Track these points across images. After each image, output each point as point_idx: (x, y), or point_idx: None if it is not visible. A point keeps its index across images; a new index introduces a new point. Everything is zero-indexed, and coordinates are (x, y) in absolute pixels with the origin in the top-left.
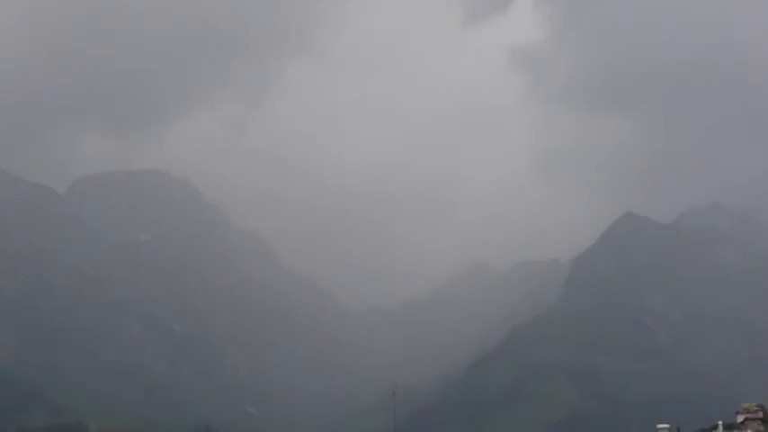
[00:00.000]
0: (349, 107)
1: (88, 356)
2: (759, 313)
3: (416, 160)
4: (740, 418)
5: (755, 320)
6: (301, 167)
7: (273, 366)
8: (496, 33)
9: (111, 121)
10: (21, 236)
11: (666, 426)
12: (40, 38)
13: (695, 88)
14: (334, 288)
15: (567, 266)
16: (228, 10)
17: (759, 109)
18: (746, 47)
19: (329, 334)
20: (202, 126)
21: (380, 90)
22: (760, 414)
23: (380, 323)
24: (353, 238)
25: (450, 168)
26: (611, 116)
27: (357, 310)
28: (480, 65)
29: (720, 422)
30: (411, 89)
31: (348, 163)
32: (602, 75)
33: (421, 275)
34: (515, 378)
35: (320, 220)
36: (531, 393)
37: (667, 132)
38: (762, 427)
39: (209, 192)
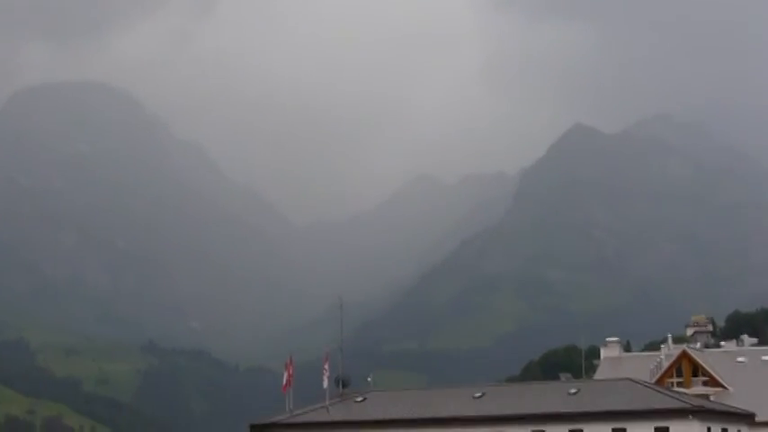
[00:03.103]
0: (297, 16)
1: (27, 271)
2: (706, 225)
3: (364, 71)
4: (690, 332)
5: (703, 232)
6: (247, 79)
7: (217, 280)
8: None
9: (52, 30)
10: None
11: (616, 339)
12: None
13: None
14: (278, 201)
15: (515, 179)
16: None
17: (711, 16)
18: None
19: (273, 248)
20: (148, 36)
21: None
22: (710, 327)
23: (325, 237)
24: (298, 152)
25: (398, 79)
26: (559, 23)
27: (301, 224)
28: None
29: (670, 335)
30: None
31: (294, 74)
32: None
33: (366, 189)
34: (463, 291)
35: (264, 133)
36: (478, 306)
37: (616, 41)
38: (711, 340)
39: (152, 103)
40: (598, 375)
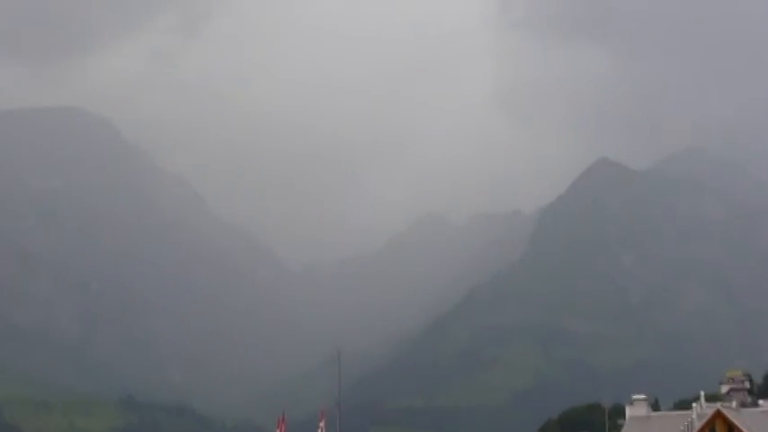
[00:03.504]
0: (291, 37)
1: None
2: (742, 270)
3: (365, 97)
4: (725, 389)
5: (739, 279)
6: (237, 107)
7: (201, 327)
8: None
9: (22, 50)
10: None
11: (643, 396)
12: None
13: (676, 18)
14: (270, 242)
15: (532, 218)
16: None
17: (745, 43)
18: None
19: (264, 292)
20: (128, 57)
21: (327, 19)
22: (746, 384)
23: (321, 282)
24: (292, 185)
25: (403, 106)
26: (583, 47)
27: (295, 267)
28: None
29: (702, 393)
30: (360, 16)
31: (288, 100)
32: (573, 0)
33: (367, 227)
34: (473, 342)
35: (255, 166)
36: (491, 359)
37: (644, 67)
38: (748, 399)
39: (132, 131)
40: None
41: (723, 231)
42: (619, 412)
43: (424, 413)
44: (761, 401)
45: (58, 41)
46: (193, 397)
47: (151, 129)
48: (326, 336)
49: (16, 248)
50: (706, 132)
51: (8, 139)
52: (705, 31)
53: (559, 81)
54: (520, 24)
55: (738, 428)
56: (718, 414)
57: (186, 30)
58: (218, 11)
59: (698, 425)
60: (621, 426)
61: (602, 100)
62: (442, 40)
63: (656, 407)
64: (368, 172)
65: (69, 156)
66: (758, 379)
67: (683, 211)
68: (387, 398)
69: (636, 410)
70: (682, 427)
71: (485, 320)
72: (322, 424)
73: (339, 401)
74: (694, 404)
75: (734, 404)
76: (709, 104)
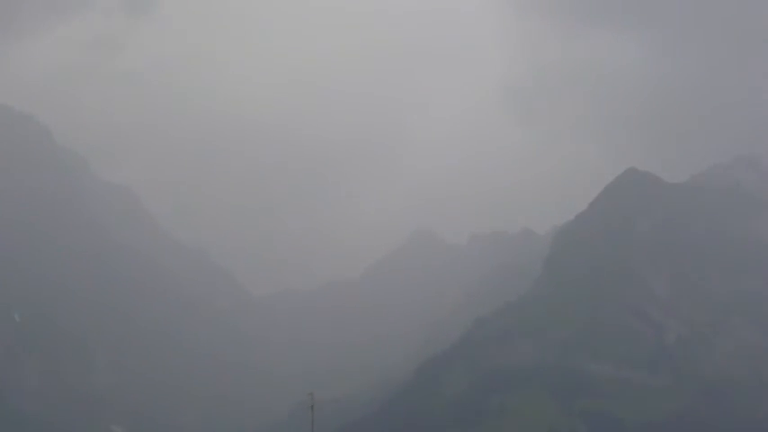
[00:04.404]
0: (264, 21)
1: None
2: None
3: (351, 94)
4: None
5: None
6: (193, 103)
7: (148, 368)
8: None
9: None
10: None
11: None
12: None
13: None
14: (232, 263)
15: (546, 239)
16: None
17: None
18: None
19: (223, 323)
20: (64, 46)
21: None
22: None
23: (293, 311)
24: (259, 199)
25: (395, 105)
26: (609, 35)
27: (261, 293)
28: None
29: None
30: None
31: (258, 97)
32: None
33: (349, 249)
34: (476, 386)
35: (216, 174)
36: (496, 407)
37: (683, 59)
38: None
39: (66, 133)
40: None
41: None
42: None
43: None
44: None
45: None
46: None
47: (89, 130)
48: (298, 379)
49: None
50: (758, 138)
51: None
52: (759, 17)
53: (580, 75)
54: (534, 8)
55: None
56: None
57: (132, 11)
58: None
59: None
60: None
61: (631, 98)
62: (442, 27)
63: None
64: (351, 182)
65: None
66: None
67: (731, 232)
68: None
69: None
70: None
71: (488, 362)
72: None
73: None
74: None
75: None
76: (762, 104)
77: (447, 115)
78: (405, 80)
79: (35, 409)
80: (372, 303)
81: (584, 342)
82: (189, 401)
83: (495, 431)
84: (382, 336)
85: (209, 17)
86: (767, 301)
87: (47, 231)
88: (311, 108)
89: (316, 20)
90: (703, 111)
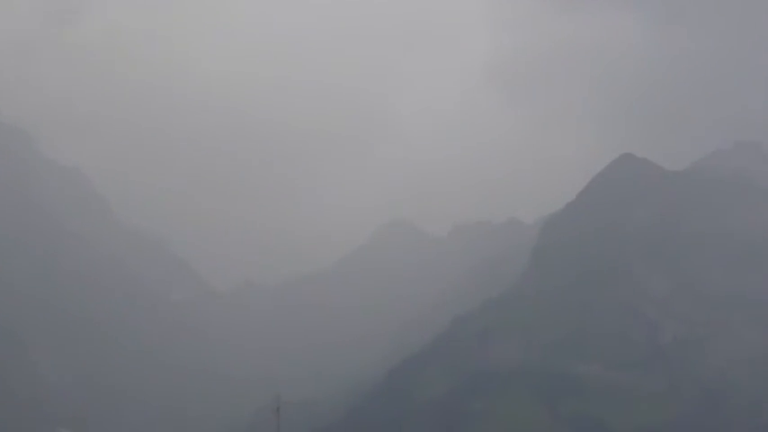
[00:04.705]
0: None
1: None
2: None
3: (322, 73)
4: None
5: None
6: (152, 80)
7: (98, 367)
8: None
9: None
10: None
11: None
12: None
13: None
14: (191, 253)
15: (533, 230)
16: None
17: None
18: None
19: (182, 319)
20: (9, 12)
21: None
22: None
23: (257, 306)
24: (222, 185)
25: (370, 85)
26: (606, 11)
27: (224, 288)
28: None
29: None
30: None
31: (223, 75)
32: None
33: (319, 238)
34: (456, 389)
35: (175, 158)
36: (478, 412)
37: (685, 39)
38: None
39: (12, 109)
40: None
41: None
42: None
43: None
44: None
45: None
46: None
47: (38, 107)
48: (262, 379)
49: None
50: (762, 123)
51: None
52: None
53: (573, 55)
54: None
55: None
56: None
57: None
58: None
59: None
60: None
61: (628, 80)
62: (422, 5)
63: None
64: (323, 171)
65: None
66: None
67: (732, 223)
68: None
69: None
70: None
71: (470, 362)
72: None
73: None
74: None
75: None
76: (766, 88)
77: (428, 99)
78: (382, 63)
79: None
80: (343, 299)
81: (573, 342)
82: (142, 404)
83: None
84: (354, 334)
85: None
86: None
87: None
88: (280, 93)
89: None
90: (704, 94)
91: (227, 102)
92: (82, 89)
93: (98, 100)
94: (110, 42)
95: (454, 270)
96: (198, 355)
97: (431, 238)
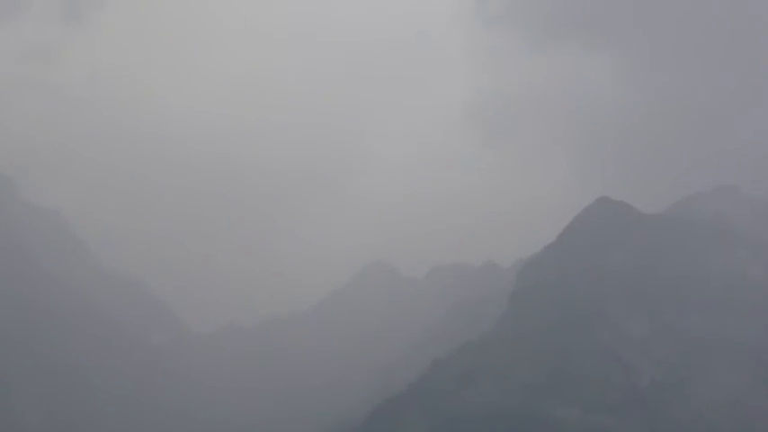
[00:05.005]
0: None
1: None
2: None
3: (299, 114)
4: None
5: None
6: (130, 121)
7: (77, 410)
8: None
9: None
10: None
11: None
12: None
13: (701, 14)
14: (170, 296)
15: (511, 273)
16: None
17: None
18: None
19: (161, 363)
20: None
21: (256, 11)
22: None
23: (235, 349)
24: (201, 226)
25: (347, 124)
26: (580, 51)
27: (202, 330)
28: None
29: None
30: (299, 10)
31: (201, 116)
32: None
33: (297, 281)
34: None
35: (153, 199)
36: None
37: (659, 78)
38: None
39: None
40: None
41: (764, 296)
42: None
43: None
44: None
45: None
46: None
47: (17, 149)
48: (242, 423)
49: None
50: (741, 166)
51: None
52: (742, 35)
53: (548, 95)
54: (500, 21)
55: None
56: None
57: (69, 19)
58: None
59: None
60: None
61: (603, 120)
62: (401, 41)
63: None
64: (299, 211)
65: None
66: None
67: (711, 267)
68: None
69: None
70: None
71: (448, 406)
72: None
73: None
74: None
75: None
76: (746, 129)
77: (404, 138)
78: (358, 102)
79: None
80: (323, 340)
81: (552, 385)
82: None
83: None
84: (334, 375)
85: (151, 30)
86: (750, 342)
87: None
88: (255, 133)
89: (263, 38)
90: (682, 136)
91: (209, 144)
92: (62, 130)
93: (78, 141)
94: (91, 82)
95: (432, 312)
96: (178, 398)
97: (408, 280)
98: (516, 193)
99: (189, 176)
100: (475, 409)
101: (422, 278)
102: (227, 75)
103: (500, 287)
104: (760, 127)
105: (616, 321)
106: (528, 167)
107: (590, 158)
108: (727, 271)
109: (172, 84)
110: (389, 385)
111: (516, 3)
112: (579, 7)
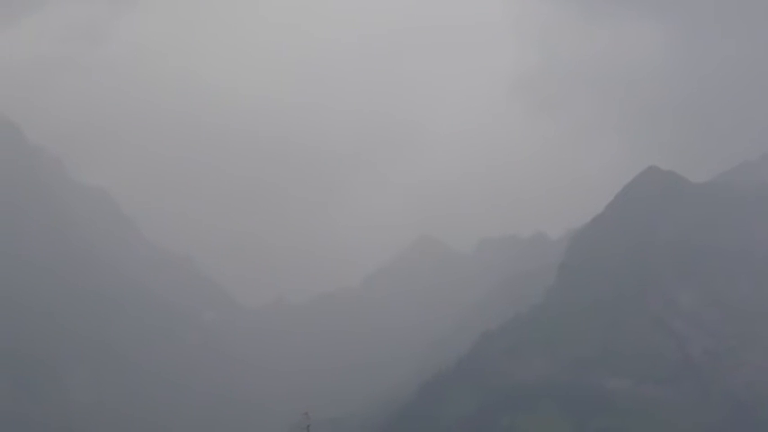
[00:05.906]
0: (259, 6)
1: None
2: None
3: (349, 89)
4: None
5: None
6: (180, 99)
7: (129, 388)
8: None
9: None
10: None
11: None
12: None
13: None
14: (219, 272)
15: (560, 245)
16: None
17: None
18: None
19: (212, 339)
20: (36, 35)
21: None
22: None
23: (285, 324)
24: (249, 203)
25: (397, 100)
26: (627, 23)
27: (254, 306)
28: None
29: None
30: None
31: (250, 93)
32: None
33: (346, 256)
34: (484, 405)
35: (201, 176)
36: (505, 428)
37: (710, 50)
38: None
39: (38, 131)
40: None
41: None
42: None
43: None
44: None
45: None
46: None
47: (64, 127)
48: (291, 397)
49: None
50: None
51: None
52: None
53: (598, 67)
54: None
55: None
56: None
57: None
58: None
59: None
60: None
61: (654, 92)
62: (448, 14)
63: None
64: (348, 186)
65: None
66: None
67: (760, 235)
68: None
69: None
70: None
71: (497, 378)
72: None
73: None
74: None
75: None
76: None
77: (452, 112)
78: (405, 76)
79: None
80: (372, 316)
81: (602, 356)
82: (173, 424)
83: None
84: (383, 351)
85: (200, 5)
86: None
87: (14, 239)
88: (305, 107)
89: (311, 13)
90: (731, 105)
91: (258, 123)
92: (108, 109)
93: (125, 120)
94: (135, 62)
95: (481, 286)
96: (228, 374)
97: (457, 254)
98: (565, 164)
99: (240, 155)
100: (524, 382)
101: (470, 251)
102: (277, 54)
103: (549, 258)
104: None
105: (666, 292)
106: (578, 139)
107: (640, 130)
108: None
109: (218, 64)
110: (439, 359)
111: None
112: None
